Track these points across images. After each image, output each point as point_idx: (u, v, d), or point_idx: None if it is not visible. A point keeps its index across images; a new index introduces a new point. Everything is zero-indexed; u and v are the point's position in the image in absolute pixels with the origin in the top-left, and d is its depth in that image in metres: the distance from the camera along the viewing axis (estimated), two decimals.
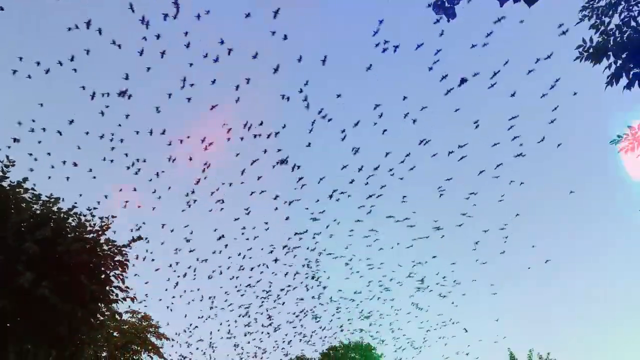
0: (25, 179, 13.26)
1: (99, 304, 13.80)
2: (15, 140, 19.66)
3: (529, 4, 4.94)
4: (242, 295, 31.23)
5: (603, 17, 8.52)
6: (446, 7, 5.33)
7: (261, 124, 21.37)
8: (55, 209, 13.19)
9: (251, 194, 24.91)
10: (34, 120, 20.46)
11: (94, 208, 14.84)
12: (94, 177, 23.05)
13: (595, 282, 61.72)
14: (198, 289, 30.31)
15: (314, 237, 27.82)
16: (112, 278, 13.85)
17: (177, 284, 28.71)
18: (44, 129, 20.61)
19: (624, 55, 8.25)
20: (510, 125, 21.00)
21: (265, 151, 22.78)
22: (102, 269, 13.65)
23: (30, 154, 20.88)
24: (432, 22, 16.90)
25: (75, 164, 21.87)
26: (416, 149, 22.62)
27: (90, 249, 13.24)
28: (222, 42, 17.84)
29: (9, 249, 11.70)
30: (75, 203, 13.83)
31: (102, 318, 14.57)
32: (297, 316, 33.72)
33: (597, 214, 58.16)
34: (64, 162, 21.79)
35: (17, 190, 12.93)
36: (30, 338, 12.81)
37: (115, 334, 23.48)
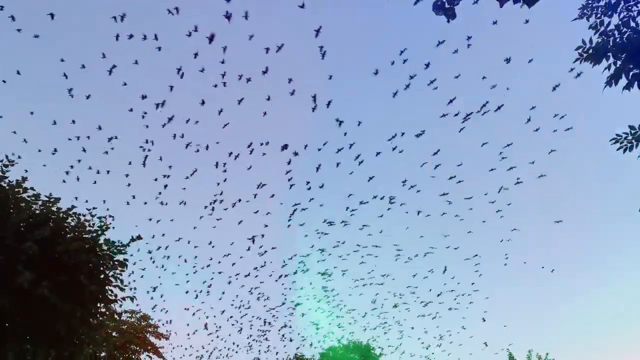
0: (24, 179, 13.23)
1: (98, 304, 13.80)
2: (54, 151, 20.65)
3: (529, 5, 4.95)
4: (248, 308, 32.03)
5: (602, 17, 8.53)
6: (446, 7, 5.34)
7: (286, 146, 21.57)
8: (54, 208, 13.18)
9: (256, 212, 25.47)
10: (74, 122, 20.59)
11: (94, 208, 14.84)
12: (129, 185, 23.22)
13: (595, 282, 61.83)
14: (221, 298, 31.14)
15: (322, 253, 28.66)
16: (111, 278, 13.86)
17: (196, 296, 29.53)
18: (88, 137, 21.05)
19: (623, 56, 8.26)
20: (503, 157, 21.71)
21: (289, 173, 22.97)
22: (102, 268, 13.64)
23: (72, 167, 21.27)
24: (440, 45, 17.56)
25: (108, 171, 22.38)
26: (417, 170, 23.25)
27: (90, 249, 13.24)
28: (267, 51, 17.88)
29: (8, 249, 11.69)
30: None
31: (101, 318, 14.57)
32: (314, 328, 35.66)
33: (597, 214, 58.28)
34: (98, 172, 22.26)
35: (17, 190, 12.92)
36: (29, 338, 12.81)
37: (114, 333, 23.47)
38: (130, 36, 17.01)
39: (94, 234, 13.55)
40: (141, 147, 21.26)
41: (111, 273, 13.83)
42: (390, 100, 19.79)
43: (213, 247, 27.23)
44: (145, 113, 20.05)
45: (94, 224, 13.76)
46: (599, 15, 8.54)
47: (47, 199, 13.21)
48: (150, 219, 24.76)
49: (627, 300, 58.58)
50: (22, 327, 12.44)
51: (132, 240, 14.38)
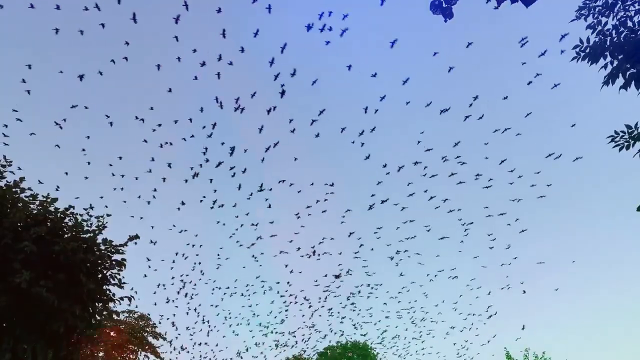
0: (22, 179, 13.20)
1: (96, 303, 13.79)
2: (119, 158, 21.78)
3: (527, 5, 4.96)
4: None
5: (600, 17, 8.56)
6: (444, 7, 5.34)
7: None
8: (52, 208, 13.16)
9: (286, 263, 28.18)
10: (142, 120, 21.93)
11: (91, 207, 14.80)
12: (183, 203, 24.06)
13: (594, 282, 61.95)
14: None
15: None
16: (110, 277, 13.85)
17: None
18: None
19: (620, 56, 8.29)
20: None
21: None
22: (99, 268, 13.63)
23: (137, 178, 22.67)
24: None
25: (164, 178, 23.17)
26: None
27: (87, 248, 13.22)
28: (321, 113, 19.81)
29: (6, 248, 11.67)
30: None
31: (99, 317, 14.55)
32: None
33: (596, 213, 58.35)
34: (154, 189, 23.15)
35: (14, 190, 12.89)
36: (27, 337, 12.78)
37: (112, 333, 23.45)
38: (227, 32, 17.92)
39: (92, 234, 13.54)
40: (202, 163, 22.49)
41: (109, 273, 13.84)
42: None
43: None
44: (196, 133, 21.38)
45: (91, 224, 13.76)
46: (596, 15, 8.57)
47: (44, 198, 13.19)
48: (194, 245, 27.42)
49: (625, 299, 58.73)
50: (20, 326, 12.42)
51: (130, 239, 14.39)
